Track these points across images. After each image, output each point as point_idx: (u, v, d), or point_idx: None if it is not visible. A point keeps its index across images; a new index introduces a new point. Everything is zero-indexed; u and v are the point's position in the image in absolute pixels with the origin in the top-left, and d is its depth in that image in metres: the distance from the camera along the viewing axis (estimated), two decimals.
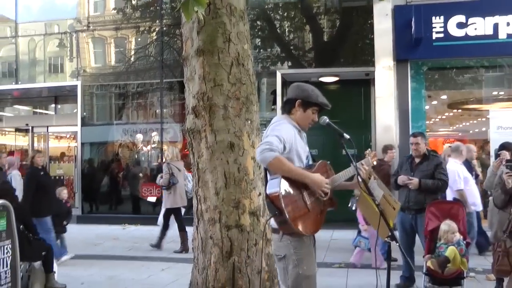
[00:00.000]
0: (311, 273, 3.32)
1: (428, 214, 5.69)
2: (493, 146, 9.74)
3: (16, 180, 9.96)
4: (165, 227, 9.24)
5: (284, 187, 3.17)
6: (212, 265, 4.51)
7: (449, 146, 7.89)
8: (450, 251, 5.23)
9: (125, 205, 13.29)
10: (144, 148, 13.32)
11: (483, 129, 13.06)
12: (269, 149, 3.13)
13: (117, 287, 6.61)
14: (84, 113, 13.42)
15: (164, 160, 10.22)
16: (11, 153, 14.75)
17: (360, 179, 3.27)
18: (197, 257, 4.70)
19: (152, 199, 12.65)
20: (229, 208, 4.50)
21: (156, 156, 13.15)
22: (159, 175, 9.41)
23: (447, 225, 5.45)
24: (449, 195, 7.13)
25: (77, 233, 11.10)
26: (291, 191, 3.20)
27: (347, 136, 3.38)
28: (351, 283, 6.61)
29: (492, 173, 6.17)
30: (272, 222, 3.27)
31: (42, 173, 8.00)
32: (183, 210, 9.28)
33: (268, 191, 3.24)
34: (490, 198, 5.94)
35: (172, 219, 9.21)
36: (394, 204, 3.27)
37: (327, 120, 3.46)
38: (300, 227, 3.16)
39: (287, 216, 3.10)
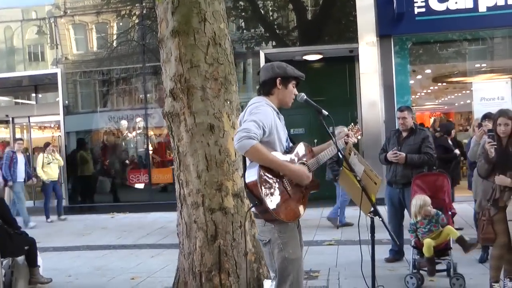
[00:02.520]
0: (297, 256, 3.25)
1: (414, 187, 5.68)
2: (477, 117, 9.77)
3: None
4: None
5: (263, 174, 3.06)
6: (198, 249, 4.46)
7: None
8: (426, 246, 5.17)
9: (113, 193, 13.15)
10: (130, 135, 13.19)
11: (468, 101, 13.13)
12: (246, 136, 2.98)
13: (105, 277, 6.51)
14: (66, 102, 13.19)
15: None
16: None
17: (341, 155, 3.21)
18: (182, 242, 4.65)
19: (140, 186, 12.58)
20: (212, 191, 4.43)
21: (142, 142, 13.04)
22: None
23: (420, 200, 5.38)
24: None
25: (64, 224, 11.10)
26: (270, 178, 3.09)
27: (325, 112, 3.30)
28: (341, 260, 6.61)
29: (475, 143, 6.18)
30: (254, 209, 3.19)
31: None
32: None
33: (246, 180, 3.14)
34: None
35: None
36: (375, 179, 3.21)
37: (305, 97, 3.38)
38: (282, 215, 3.07)
39: (268, 205, 3.01)
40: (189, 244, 4.55)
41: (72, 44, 13.52)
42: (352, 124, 3.74)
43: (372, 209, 3.13)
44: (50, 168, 11.39)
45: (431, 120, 16.23)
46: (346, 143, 3.44)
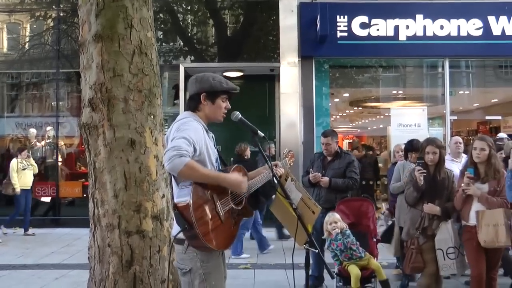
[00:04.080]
0: None
1: (338, 212, 5.60)
2: (394, 143, 10.03)
3: None
4: None
5: (195, 196, 2.79)
6: (111, 276, 4.06)
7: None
8: (354, 278, 5.09)
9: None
10: (38, 144, 12.37)
11: (381, 126, 13.52)
12: (178, 154, 2.71)
13: None
14: None
15: None
16: None
17: (276, 181, 2.99)
18: (93, 268, 4.21)
19: (47, 199, 11.80)
20: (129, 212, 4.06)
21: (51, 152, 12.24)
22: None
23: (328, 216, 5.35)
24: None
25: None
26: (203, 201, 2.83)
27: (261, 133, 3.08)
28: (259, 286, 6.40)
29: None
30: (176, 230, 2.89)
31: None
32: None
33: (176, 200, 2.87)
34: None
35: None
36: (313, 208, 3.03)
37: (240, 116, 3.14)
38: (212, 243, 2.81)
39: (198, 231, 2.74)
40: (101, 270, 4.13)
41: None
42: (286, 150, 3.54)
43: (307, 239, 2.93)
44: (25, 175, 10.48)
45: (344, 143, 16.63)
46: (280, 176, 3.19)
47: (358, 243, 5.23)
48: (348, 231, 5.25)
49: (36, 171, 10.93)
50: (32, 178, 10.71)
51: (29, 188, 10.65)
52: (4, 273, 7.28)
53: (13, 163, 10.51)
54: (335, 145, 6.12)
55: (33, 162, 10.83)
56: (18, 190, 10.34)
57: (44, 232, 10.37)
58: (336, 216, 5.32)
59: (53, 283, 6.72)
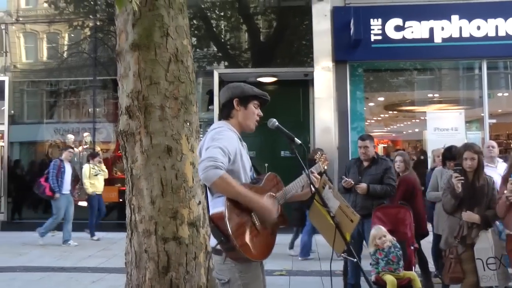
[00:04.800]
0: None
1: (374, 219, 5.52)
2: (430, 147, 9.88)
3: None
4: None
5: (230, 207, 2.76)
6: (147, 281, 4.10)
7: None
8: (390, 281, 5.02)
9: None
10: (76, 149, 12.62)
11: (416, 130, 13.29)
12: (213, 166, 2.70)
13: None
14: (12, 111, 12.56)
15: None
16: None
17: (313, 189, 2.96)
18: (130, 273, 4.26)
19: (84, 203, 11.99)
20: (166, 218, 4.10)
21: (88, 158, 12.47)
22: None
23: (375, 229, 5.28)
24: None
25: (2, 242, 10.36)
26: (239, 212, 2.80)
27: (298, 141, 3.06)
28: None
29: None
30: (214, 241, 2.88)
31: None
32: None
33: (211, 212, 2.85)
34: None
35: None
36: (352, 216, 3.00)
37: (276, 123, 3.13)
38: (250, 254, 2.78)
39: (235, 243, 2.72)
40: (138, 276, 4.18)
41: (22, 53, 13.00)
42: (319, 152, 3.52)
43: (345, 248, 2.90)
44: (97, 180, 10.73)
45: (379, 147, 16.42)
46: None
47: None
48: (395, 242, 5.21)
49: (107, 176, 11.14)
50: (103, 183, 10.91)
51: (101, 192, 10.86)
52: (43, 275, 7.44)
53: (86, 169, 10.72)
54: (372, 150, 6.00)
55: (104, 167, 11.04)
56: (92, 193, 10.57)
57: (81, 236, 10.53)
58: (383, 229, 5.28)
59: (90, 286, 6.83)
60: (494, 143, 6.66)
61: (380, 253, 5.18)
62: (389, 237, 5.22)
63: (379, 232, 5.23)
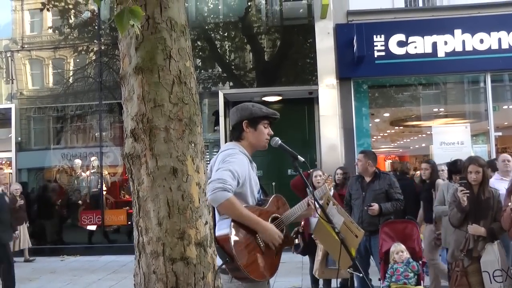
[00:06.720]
0: None
1: (382, 235, 5.52)
2: (437, 161, 9.84)
3: None
4: None
5: (235, 228, 2.82)
6: None
7: None
8: None
9: (63, 234, 12.50)
10: (83, 174, 12.70)
11: (423, 145, 13.26)
12: (222, 188, 2.77)
13: None
14: (19, 138, 12.69)
15: None
16: None
17: (318, 205, 2.98)
18: None
19: (92, 227, 12.04)
20: (173, 239, 4.10)
21: (96, 182, 12.54)
22: None
23: (394, 246, 5.38)
24: None
25: None
26: (243, 233, 2.86)
27: (301, 158, 3.10)
28: None
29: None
30: (220, 261, 2.91)
31: None
32: None
33: (217, 233, 2.91)
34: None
35: None
36: (356, 232, 3.01)
37: (279, 142, 3.17)
38: (254, 274, 2.83)
39: (239, 263, 2.76)
40: None
41: (28, 79, 13.17)
42: (326, 175, 3.55)
43: (351, 263, 2.91)
44: None
45: (386, 163, 16.38)
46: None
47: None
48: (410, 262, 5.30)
49: None
50: None
51: None
52: None
53: None
54: (368, 165, 5.97)
55: None
56: None
57: (90, 260, 10.55)
58: (402, 246, 5.36)
59: None
60: (509, 157, 6.52)
61: (399, 263, 5.22)
62: (406, 254, 5.29)
63: (397, 248, 5.32)
